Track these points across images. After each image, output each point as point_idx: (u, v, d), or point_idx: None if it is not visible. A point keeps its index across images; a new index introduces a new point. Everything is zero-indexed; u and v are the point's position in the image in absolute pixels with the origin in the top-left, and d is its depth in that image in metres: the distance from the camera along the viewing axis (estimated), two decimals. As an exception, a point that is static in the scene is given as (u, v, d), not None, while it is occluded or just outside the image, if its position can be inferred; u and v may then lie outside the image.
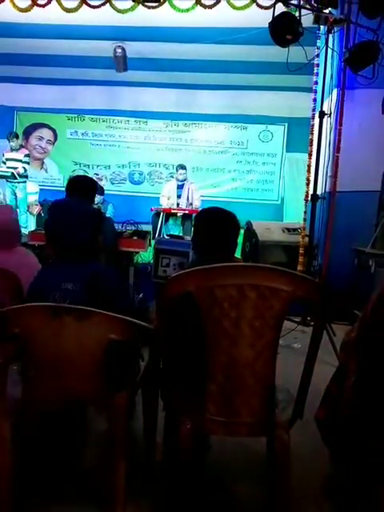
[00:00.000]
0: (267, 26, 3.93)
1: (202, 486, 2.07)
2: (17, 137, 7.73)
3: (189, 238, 5.44)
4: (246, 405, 1.73)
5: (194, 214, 6.96)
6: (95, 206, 6.82)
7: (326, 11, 4.37)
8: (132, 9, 5.74)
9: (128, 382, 2.01)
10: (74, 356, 1.74)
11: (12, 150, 7.52)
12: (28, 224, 7.79)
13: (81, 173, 8.58)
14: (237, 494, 2.14)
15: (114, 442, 1.83)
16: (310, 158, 4.95)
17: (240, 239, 2.81)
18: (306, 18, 4.02)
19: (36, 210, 8.08)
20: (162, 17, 5.96)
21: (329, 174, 4.85)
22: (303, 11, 3.98)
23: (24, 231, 7.18)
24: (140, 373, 2.13)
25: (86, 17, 6.02)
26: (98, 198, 7.06)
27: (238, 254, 2.48)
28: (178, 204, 7.40)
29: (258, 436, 1.91)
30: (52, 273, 2.04)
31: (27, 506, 1.91)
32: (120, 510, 1.80)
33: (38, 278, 2.08)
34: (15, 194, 7.60)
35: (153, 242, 5.38)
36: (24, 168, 7.54)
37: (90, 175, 8.94)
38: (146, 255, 5.61)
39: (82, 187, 3.29)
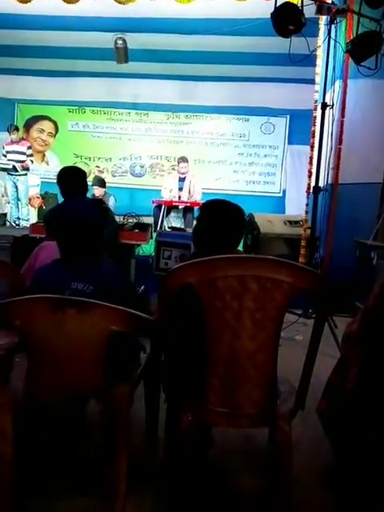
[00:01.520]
0: (269, 16, 3.90)
1: (204, 478, 2.08)
2: (17, 129, 7.71)
3: (190, 230, 5.43)
4: (248, 396, 1.73)
5: (195, 207, 6.95)
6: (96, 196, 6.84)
7: (329, 1, 4.34)
8: (133, 0, 5.71)
9: (129, 373, 2.02)
10: (75, 348, 1.74)
11: (13, 142, 7.51)
12: (30, 217, 7.80)
13: (82, 165, 8.55)
14: (238, 485, 2.15)
15: (115, 434, 1.83)
16: (311, 150, 4.93)
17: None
18: (309, 9, 3.98)
19: (37, 202, 8.07)
20: (163, 8, 5.94)
21: (331, 165, 4.83)
22: (305, 1, 3.93)
23: (25, 224, 7.22)
24: (141, 365, 2.14)
25: (86, 8, 6.00)
26: (100, 191, 7.07)
27: (240, 247, 2.47)
28: (179, 196, 7.38)
29: (259, 427, 1.92)
30: (60, 271, 2.02)
31: (28, 500, 1.91)
32: (121, 503, 1.81)
33: (43, 273, 2.08)
34: (16, 187, 7.60)
35: (154, 235, 5.39)
36: (31, 161, 7.55)
37: (91, 168, 8.98)
38: (147, 248, 5.62)
39: (73, 178, 3.29)
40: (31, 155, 7.64)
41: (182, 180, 7.47)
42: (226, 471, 2.25)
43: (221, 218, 2.08)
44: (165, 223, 7.14)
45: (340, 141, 4.74)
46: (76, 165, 8.20)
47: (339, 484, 2.03)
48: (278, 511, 1.77)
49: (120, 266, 2.74)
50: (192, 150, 9.09)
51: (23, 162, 7.42)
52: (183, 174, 7.46)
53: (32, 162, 7.60)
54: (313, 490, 2.08)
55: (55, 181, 3.31)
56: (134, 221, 4.93)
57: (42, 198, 8.06)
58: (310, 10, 4.02)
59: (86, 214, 2.09)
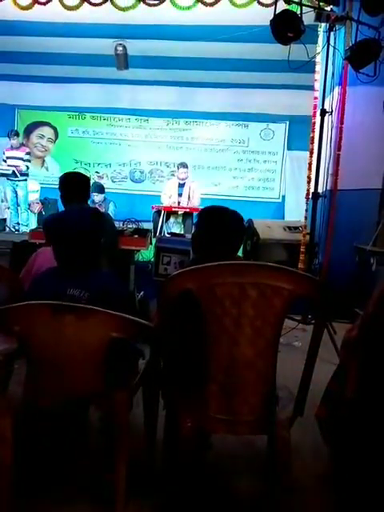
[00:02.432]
0: (268, 23, 3.92)
1: (203, 483, 2.07)
2: (18, 135, 7.73)
3: (190, 236, 5.42)
4: (247, 403, 1.73)
5: (194, 213, 6.95)
6: (95, 204, 6.84)
7: (328, 8, 4.36)
8: (133, 6, 5.74)
9: (128, 379, 2.02)
10: (75, 354, 1.74)
11: (13, 148, 7.52)
12: (29, 222, 7.80)
13: (82, 171, 8.56)
14: (237, 491, 2.14)
15: (115, 439, 1.83)
16: (311, 156, 4.94)
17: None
18: (308, 16, 4.00)
19: (37, 208, 8.08)
20: (163, 14, 5.95)
21: (330, 172, 4.84)
22: (305, 8, 3.95)
23: (25, 229, 7.22)
24: (140, 372, 2.13)
25: (86, 14, 6.01)
26: (99, 197, 7.07)
27: (239, 253, 2.47)
28: (178, 202, 7.39)
29: (258, 434, 1.91)
30: (57, 279, 2.02)
31: (27, 505, 1.91)
32: (120, 508, 1.81)
33: (40, 280, 2.08)
34: (16, 192, 7.62)
35: (154, 241, 5.38)
36: (26, 166, 7.55)
37: (90, 173, 8.98)
38: (146, 253, 5.61)
39: (76, 184, 3.25)
40: (29, 161, 7.65)
41: (181, 186, 7.47)
42: (225, 476, 2.25)
43: (219, 225, 2.08)
44: (164, 229, 7.14)
45: (339, 147, 4.75)
46: (76, 170, 8.21)
47: (338, 490, 2.03)
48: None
49: (119, 273, 2.73)
50: (191, 155, 9.10)
51: (18, 166, 7.43)
52: (183, 179, 7.46)
53: (27, 167, 7.59)
54: (311, 495, 2.07)
55: (55, 186, 3.28)
56: (134, 226, 4.93)
57: (42, 204, 8.07)
58: (309, 18, 4.05)
59: (83, 221, 2.08)
